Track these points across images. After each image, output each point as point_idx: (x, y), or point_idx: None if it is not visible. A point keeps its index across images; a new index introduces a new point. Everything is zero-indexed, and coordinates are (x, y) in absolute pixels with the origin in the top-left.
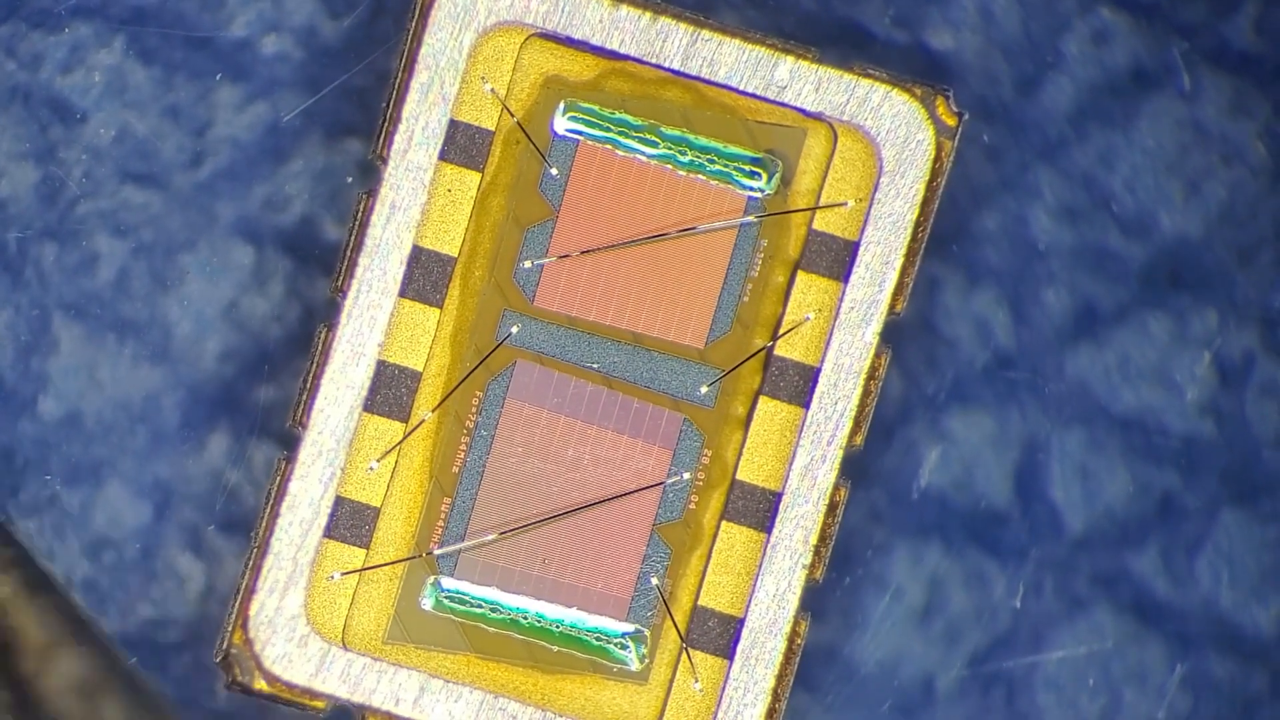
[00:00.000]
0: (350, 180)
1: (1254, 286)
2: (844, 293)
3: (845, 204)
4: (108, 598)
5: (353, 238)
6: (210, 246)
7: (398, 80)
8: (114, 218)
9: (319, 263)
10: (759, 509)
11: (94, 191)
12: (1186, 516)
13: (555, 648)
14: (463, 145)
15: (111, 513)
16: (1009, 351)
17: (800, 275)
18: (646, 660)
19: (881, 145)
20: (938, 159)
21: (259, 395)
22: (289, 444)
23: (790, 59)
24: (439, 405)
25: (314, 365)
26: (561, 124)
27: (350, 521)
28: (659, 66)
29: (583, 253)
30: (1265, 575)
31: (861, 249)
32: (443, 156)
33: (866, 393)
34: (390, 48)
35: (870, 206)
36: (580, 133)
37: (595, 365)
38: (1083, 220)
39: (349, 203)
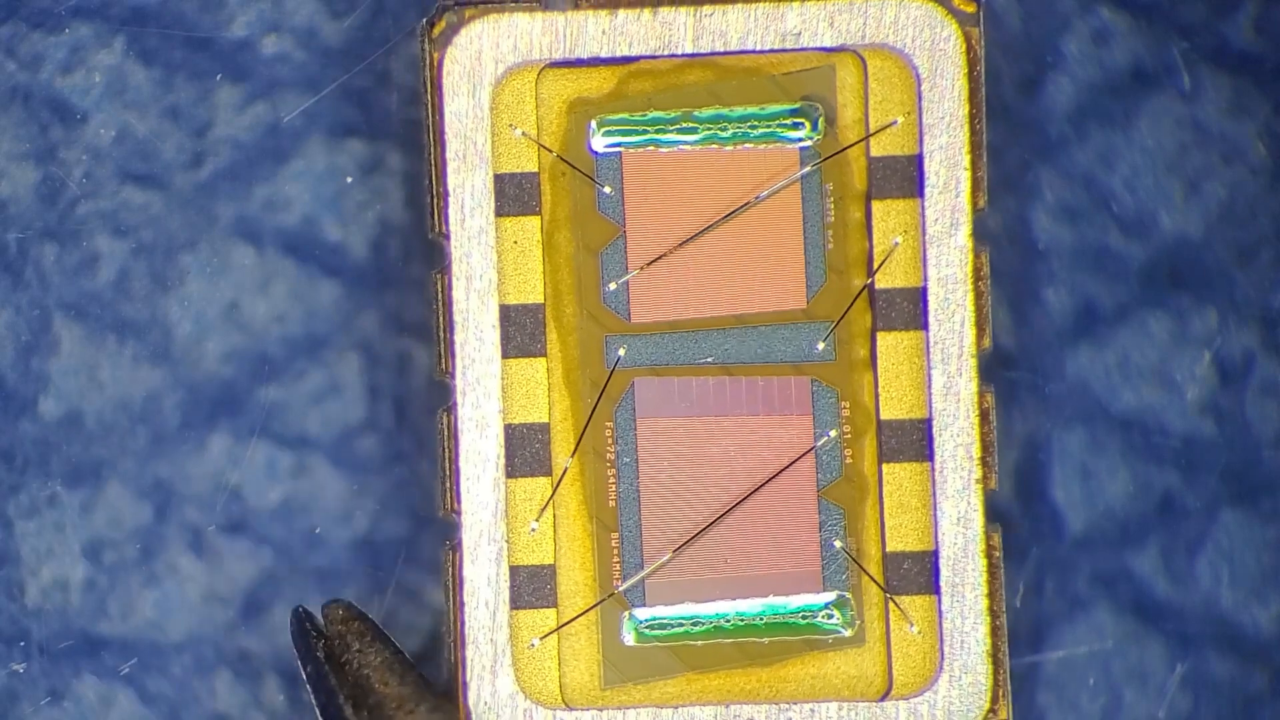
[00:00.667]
0: (350, 180)
1: (1254, 286)
2: (923, 207)
3: (894, 122)
4: (108, 598)
5: (441, 319)
6: (210, 247)
7: (431, 156)
8: (114, 218)
9: (319, 263)
10: (913, 441)
11: (94, 192)
12: (1186, 516)
13: (766, 640)
14: (513, 195)
15: (112, 513)
16: (1009, 351)
17: (875, 205)
18: (857, 622)
19: (911, 55)
20: (969, 49)
21: (259, 396)
22: (439, 528)
23: (796, 4)
24: (576, 449)
25: (446, 451)
26: (599, 142)
27: (531, 586)
28: (673, 55)
29: (660, 258)
30: (1265, 575)
31: (926, 160)
32: (499, 213)
33: (979, 295)
34: (391, 48)
35: (920, 116)
36: (619, 144)
37: (709, 359)
38: (1083, 220)
39: (349, 203)
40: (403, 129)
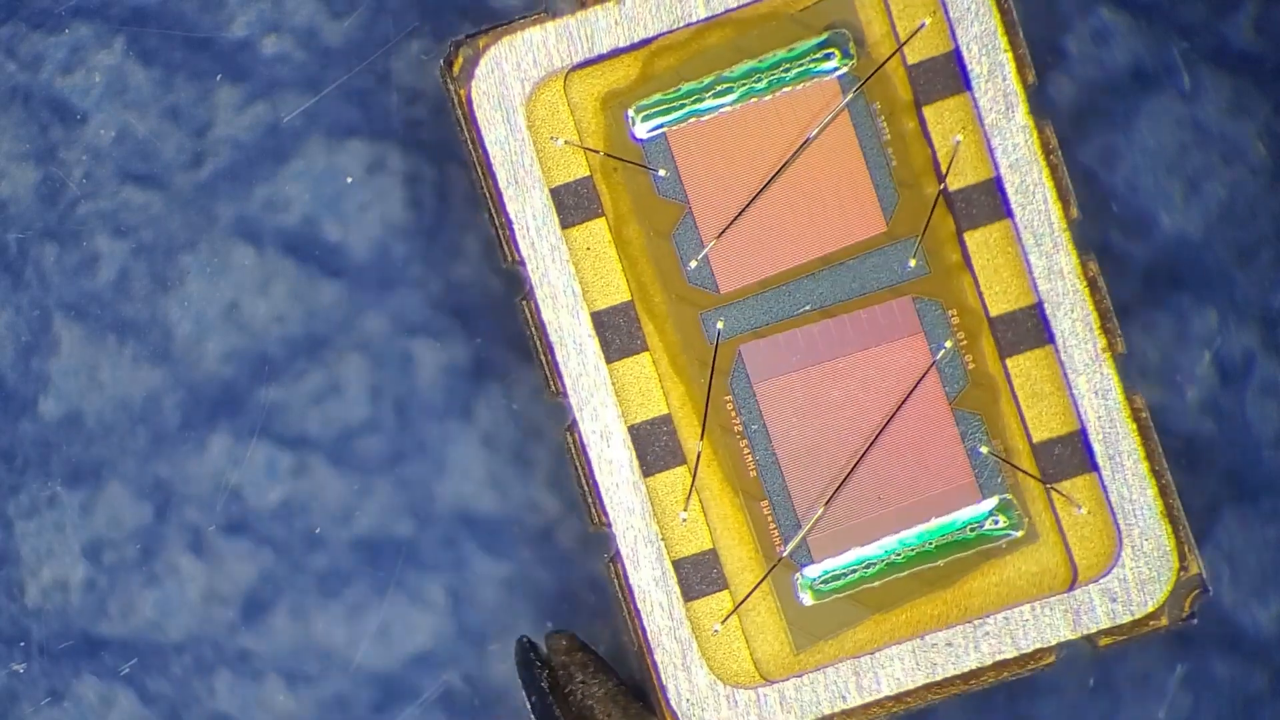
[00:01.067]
0: (350, 181)
1: (1254, 286)
2: (973, 99)
3: (923, 25)
4: (108, 598)
5: (538, 342)
6: (210, 247)
7: (485, 189)
8: (114, 218)
9: (319, 263)
10: (1029, 329)
11: (94, 192)
12: (1187, 515)
13: (941, 562)
14: (573, 204)
15: (112, 513)
16: None
17: (926, 110)
18: (1024, 520)
19: None
20: None
21: (259, 396)
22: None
23: None
24: (703, 431)
25: (578, 468)
26: (641, 129)
27: (698, 575)
28: (689, 24)
29: (731, 223)
30: (1266, 574)
31: (964, 52)
32: (564, 225)
33: (1053, 168)
34: (391, 48)
35: (946, 12)
36: (660, 125)
37: (807, 307)
38: (1083, 219)
39: (349, 203)
40: (403, 129)
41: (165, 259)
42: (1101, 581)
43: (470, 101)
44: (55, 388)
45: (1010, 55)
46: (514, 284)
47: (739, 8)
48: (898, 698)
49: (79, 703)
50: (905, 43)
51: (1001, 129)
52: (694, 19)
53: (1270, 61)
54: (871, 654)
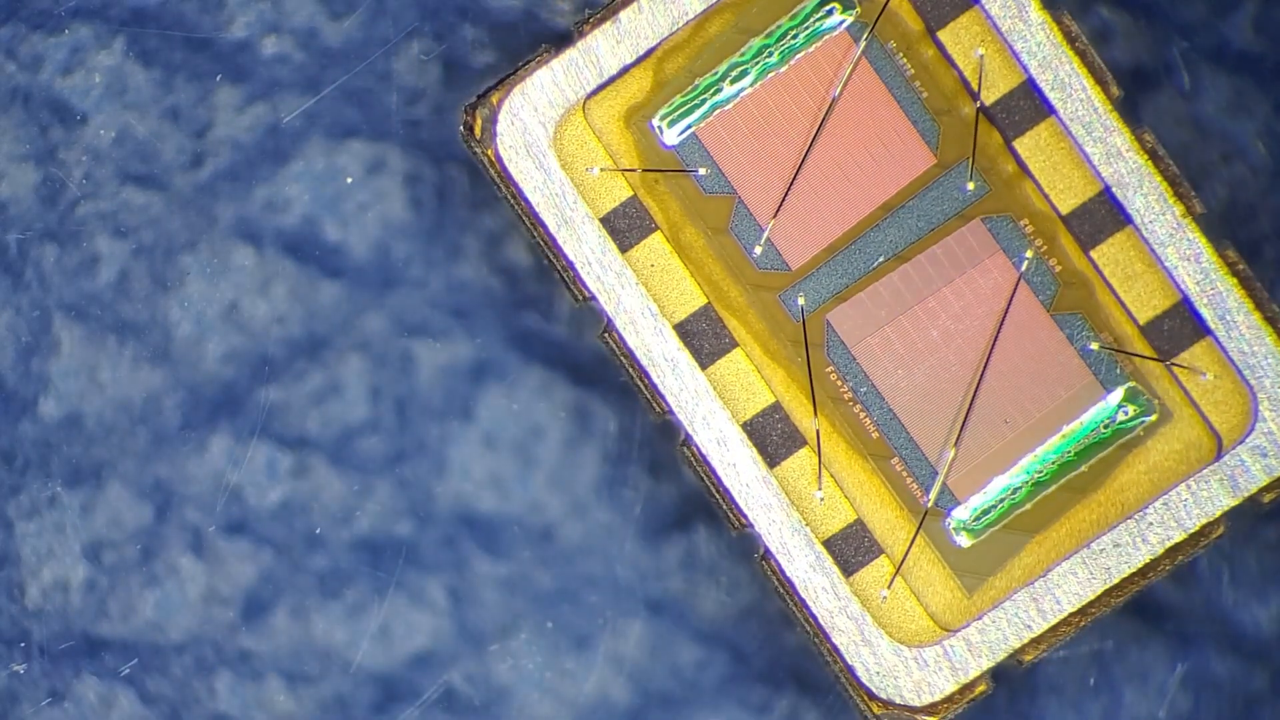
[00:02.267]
0: (350, 181)
1: None
2: (984, 10)
3: None
4: (108, 599)
5: (631, 370)
6: (210, 248)
7: (539, 238)
8: (114, 219)
9: (319, 264)
10: (1103, 215)
11: (94, 193)
12: None
13: (1084, 467)
14: (626, 227)
15: (112, 514)
16: None
17: (941, 35)
18: (1155, 402)
19: None
20: None
21: (259, 396)
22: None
23: None
24: (815, 409)
25: (705, 478)
26: (670, 136)
27: (851, 548)
28: (687, 22)
29: (784, 200)
30: (1266, 574)
31: None
32: (623, 249)
33: (1082, 54)
34: (391, 49)
35: None
36: (688, 126)
37: (880, 258)
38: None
39: (349, 203)
40: (403, 129)
41: (165, 260)
42: (1248, 441)
43: (501, 159)
44: (55, 388)
45: None
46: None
47: None
48: (1081, 611)
49: (79, 703)
50: None
51: (1019, 32)
52: (690, 15)
53: (1270, 61)
54: (1044, 576)
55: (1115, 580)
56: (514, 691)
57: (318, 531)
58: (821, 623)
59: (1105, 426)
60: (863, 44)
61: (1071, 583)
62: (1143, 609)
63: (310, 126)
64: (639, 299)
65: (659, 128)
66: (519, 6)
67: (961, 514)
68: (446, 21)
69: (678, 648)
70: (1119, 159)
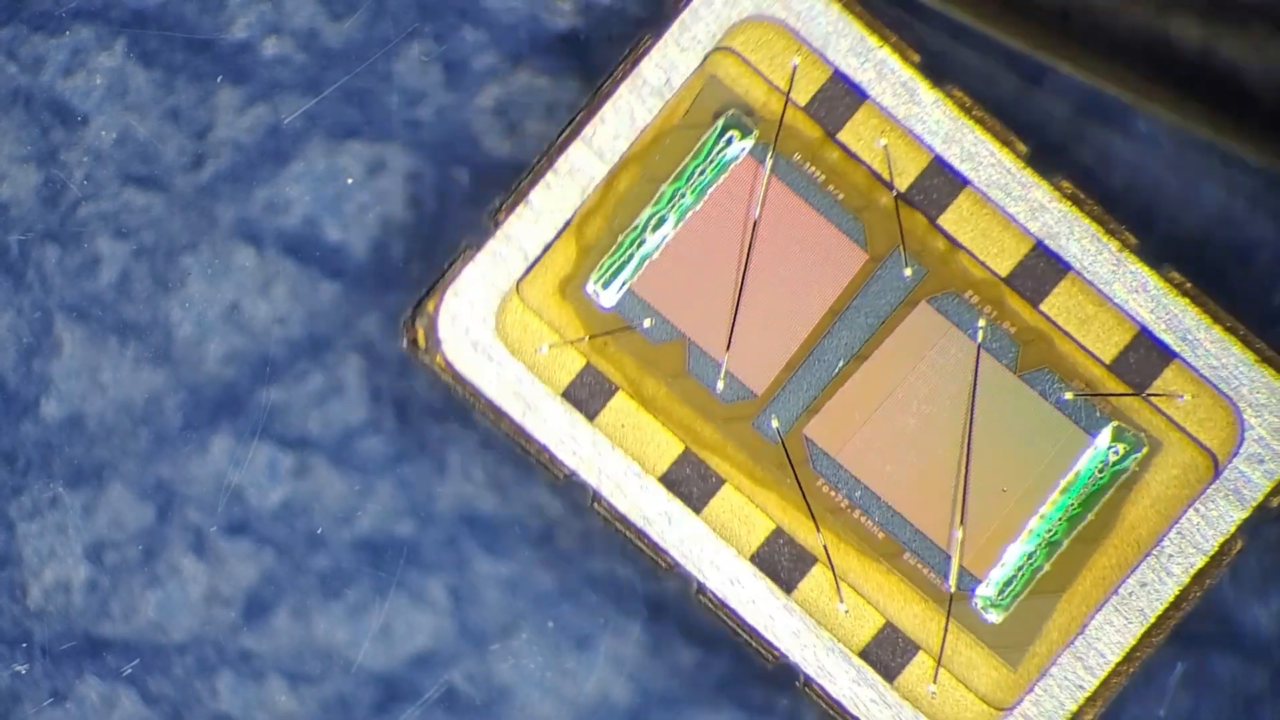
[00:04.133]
0: (351, 182)
1: (1253, 285)
2: (873, 100)
3: (794, 63)
4: (110, 599)
5: (630, 532)
6: (211, 249)
7: (506, 428)
8: (115, 220)
9: (320, 265)
10: (1042, 269)
11: (95, 194)
12: None
13: (1091, 515)
14: (587, 395)
15: (114, 514)
16: None
17: (841, 136)
18: (1141, 435)
19: (763, 7)
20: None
21: (261, 397)
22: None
23: (647, 59)
24: (816, 525)
25: (727, 620)
26: (607, 297)
27: (888, 652)
28: (596, 186)
29: (732, 331)
30: (1266, 573)
31: (844, 69)
32: (591, 417)
33: (981, 122)
34: (391, 49)
35: (807, 43)
36: (622, 284)
37: (840, 362)
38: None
39: (350, 204)
40: (403, 130)
41: (166, 260)
42: (1241, 451)
43: (451, 364)
44: (57, 389)
45: (886, 47)
46: (581, 493)
47: (630, 148)
48: (1127, 658)
49: (81, 704)
50: (790, 91)
51: (915, 115)
52: (597, 180)
53: None
54: (1082, 633)
55: (1151, 619)
56: (515, 691)
57: (319, 532)
58: None
59: (1101, 471)
60: (769, 163)
61: (1110, 632)
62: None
63: (311, 127)
64: (619, 462)
65: (594, 292)
66: (519, 7)
67: (986, 591)
68: (447, 22)
69: (677, 648)
70: (1043, 212)
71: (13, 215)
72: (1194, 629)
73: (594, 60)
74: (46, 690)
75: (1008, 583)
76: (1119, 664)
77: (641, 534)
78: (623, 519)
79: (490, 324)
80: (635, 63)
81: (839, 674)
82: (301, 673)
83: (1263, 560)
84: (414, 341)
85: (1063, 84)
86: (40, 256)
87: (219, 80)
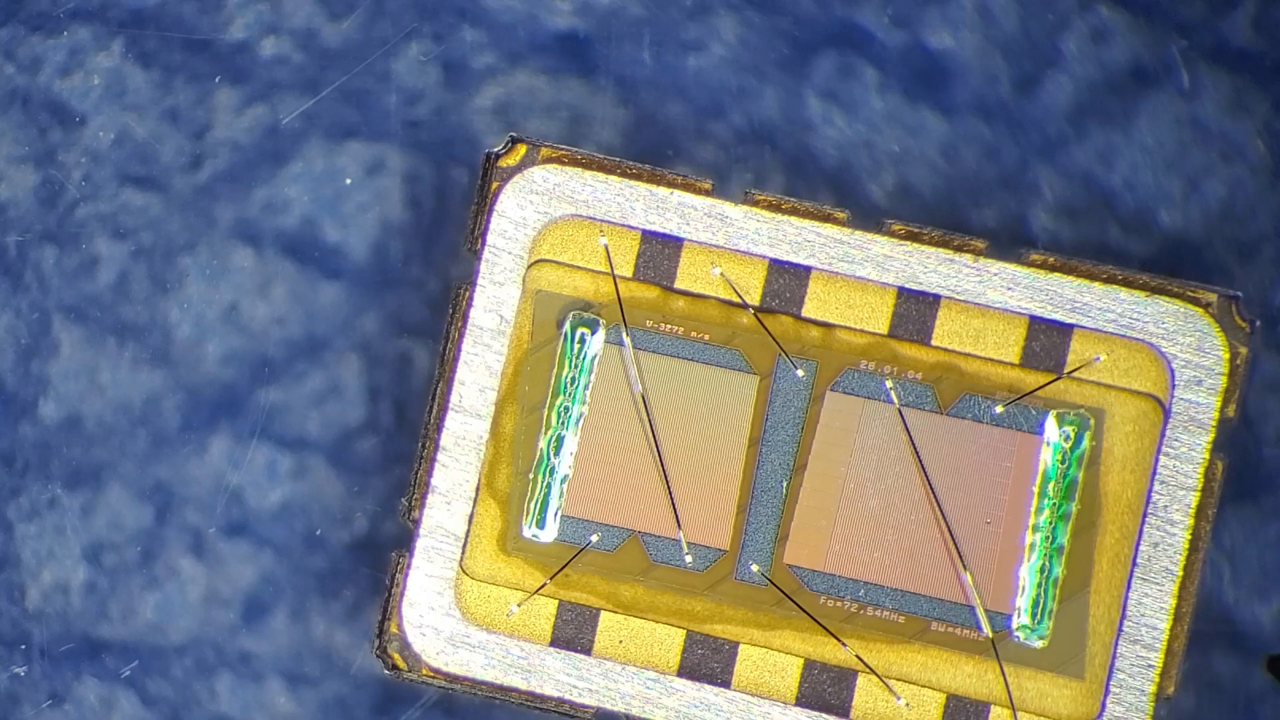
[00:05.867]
0: (349, 182)
1: (1254, 283)
2: (693, 240)
3: (602, 242)
4: (109, 601)
5: None
6: (210, 249)
7: (517, 700)
8: (114, 220)
9: (318, 265)
10: (915, 310)
11: (93, 194)
12: None
13: (1075, 505)
14: (574, 631)
15: (112, 516)
16: None
17: (677, 284)
18: (1083, 410)
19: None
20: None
21: (259, 398)
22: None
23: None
24: (839, 640)
25: None
26: (547, 534)
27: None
28: (483, 441)
29: (674, 506)
30: (1267, 572)
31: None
32: (587, 649)
33: (794, 210)
34: (390, 50)
35: (612, 269)
36: (555, 513)
37: (783, 483)
38: (1083, 218)
39: (349, 204)
40: (402, 130)
41: (165, 261)
42: (1176, 380)
43: (438, 670)
44: (55, 390)
45: (676, 190)
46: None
47: (499, 393)
48: (1177, 618)
49: (80, 705)
50: (612, 267)
51: (735, 234)
52: (483, 435)
53: (1269, 59)
54: (1125, 617)
55: (1180, 573)
56: None
57: (318, 533)
58: None
59: (1063, 460)
60: (627, 340)
61: (1149, 603)
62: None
63: (309, 127)
64: (633, 677)
65: (533, 535)
66: (518, 6)
67: (1020, 620)
68: (445, 22)
69: None
70: (890, 260)
71: (10, 216)
72: (1194, 629)
73: (594, 60)
74: (45, 692)
75: (1035, 603)
76: (1173, 628)
77: None
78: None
79: (455, 614)
80: (465, 318)
81: None
82: (301, 674)
83: (1263, 559)
84: (395, 667)
85: (1063, 83)
86: (38, 257)
87: (217, 80)
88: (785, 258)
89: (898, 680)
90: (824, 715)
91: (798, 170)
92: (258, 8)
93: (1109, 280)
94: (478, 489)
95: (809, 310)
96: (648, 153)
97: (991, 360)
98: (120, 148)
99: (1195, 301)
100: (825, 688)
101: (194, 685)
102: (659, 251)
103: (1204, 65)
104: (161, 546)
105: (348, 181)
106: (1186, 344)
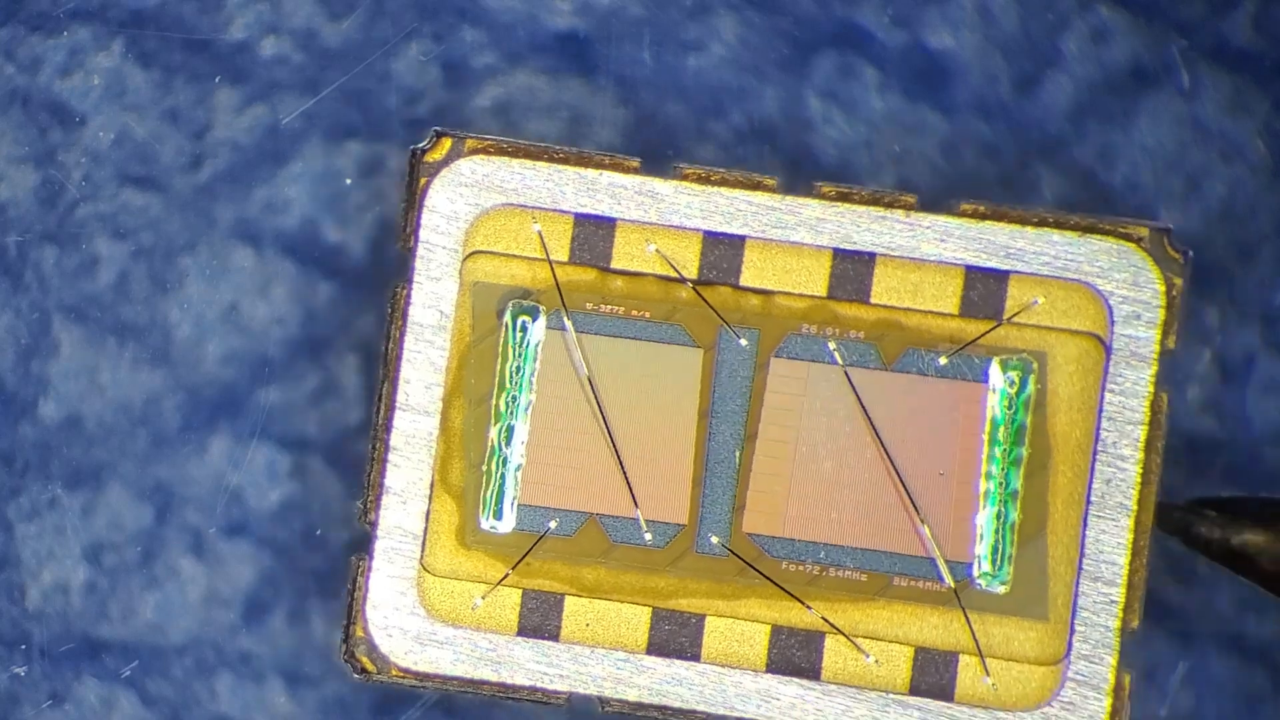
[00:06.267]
0: (349, 182)
1: (1254, 283)
2: (624, 220)
3: (535, 228)
4: (109, 601)
5: (657, 713)
6: (210, 249)
7: (489, 693)
8: (114, 221)
9: (319, 265)
10: (852, 269)
11: (93, 194)
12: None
13: (1026, 449)
14: (540, 619)
15: (112, 516)
16: None
17: (614, 264)
18: (1025, 355)
19: None
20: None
21: (259, 398)
22: None
23: None
24: (804, 603)
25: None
26: (505, 524)
27: (933, 674)
28: (434, 442)
29: (629, 486)
30: None
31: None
32: (555, 637)
33: (723, 181)
34: (390, 50)
35: (548, 255)
36: (512, 503)
37: (735, 452)
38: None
39: (349, 204)
40: (402, 130)
41: (165, 261)
42: (1115, 316)
43: (407, 669)
44: (55, 390)
45: (605, 170)
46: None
47: (445, 388)
48: (1135, 553)
49: (80, 705)
50: (548, 253)
51: (667, 209)
52: (433, 432)
53: (1269, 59)
54: (1084, 555)
55: (1134, 507)
56: None
57: (318, 533)
58: None
59: (1010, 406)
60: (569, 324)
61: (1107, 539)
62: (1145, 609)
63: (309, 127)
64: (603, 659)
65: (491, 526)
66: (518, 6)
67: (980, 568)
68: (445, 22)
69: None
70: (822, 223)
71: (10, 216)
72: (1194, 629)
73: (594, 60)
74: (45, 692)
75: (994, 550)
76: (1132, 562)
77: (663, 709)
78: (639, 706)
79: (420, 612)
80: (404, 316)
81: None
82: (301, 674)
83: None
84: (363, 670)
85: (1062, 83)
86: (38, 257)
87: (217, 80)
88: (719, 229)
89: (865, 638)
90: (795, 679)
91: (798, 170)
92: (258, 8)
93: (1041, 224)
94: (432, 486)
95: (747, 279)
96: (648, 153)
97: (931, 313)
98: (120, 148)
99: (1127, 237)
100: (794, 652)
101: (194, 685)
102: (593, 233)
103: (1204, 65)
104: (161, 546)
105: (348, 181)
106: (1122, 280)
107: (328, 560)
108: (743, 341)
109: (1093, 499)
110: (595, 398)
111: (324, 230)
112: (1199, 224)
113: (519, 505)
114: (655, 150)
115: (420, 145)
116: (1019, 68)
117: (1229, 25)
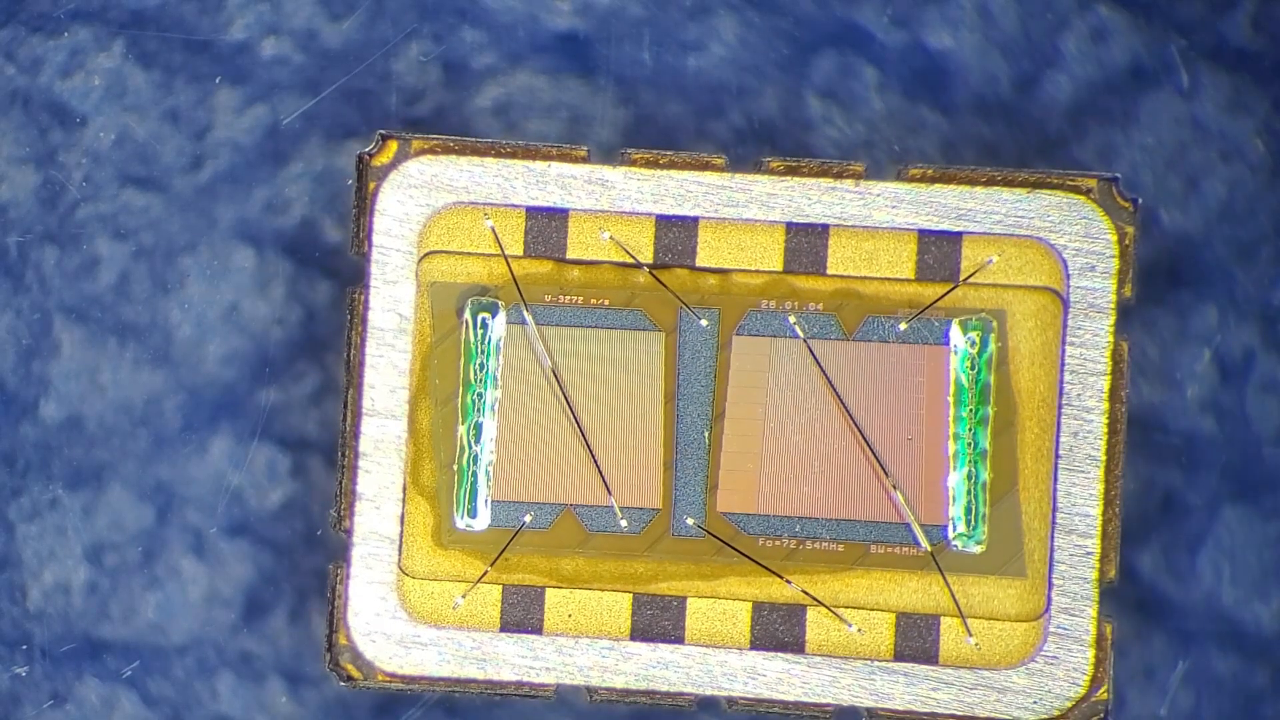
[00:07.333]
0: (350, 182)
1: (1254, 283)
2: (574, 210)
3: (488, 224)
4: (110, 601)
5: (645, 698)
6: (211, 249)
7: (476, 691)
8: (114, 221)
9: (319, 265)
10: (806, 242)
11: (94, 195)
12: (1188, 513)
13: (992, 408)
14: (523, 614)
15: (113, 516)
16: None
17: (569, 255)
18: (984, 314)
19: None
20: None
21: (260, 398)
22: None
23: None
24: (784, 578)
25: (769, 710)
26: (480, 521)
27: (916, 638)
28: (404, 442)
29: (601, 474)
30: (1266, 571)
31: None
32: (539, 629)
33: (671, 164)
34: (390, 50)
35: (503, 250)
36: (486, 501)
37: (705, 433)
38: None
39: (349, 205)
40: (403, 130)
41: (165, 261)
42: (1069, 269)
43: (393, 674)
44: (56, 391)
45: (553, 162)
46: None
47: (410, 390)
48: (1108, 503)
49: (81, 705)
50: (503, 248)
51: (616, 196)
52: (401, 435)
53: (1269, 59)
54: (1056, 510)
55: (1103, 458)
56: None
57: (318, 533)
58: (963, 715)
59: (973, 366)
60: (529, 318)
61: (1078, 492)
62: (1144, 607)
63: (310, 128)
64: (588, 648)
65: (467, 525)
66: (518, 6)
67: (955, 529)
68: (446, 22)
69: None
70: (773, 198)
71: (11, 217)
72: (1195, 627)
73: (594, 60)
74: (46, 692)
75: (968, 510)
76: (1105, 512)
77: (651, 693)
78: (627, 693)
79: (401, 616)
80: (364, 321)
81: (893, 689)
82: (301, 674)
83: (1263, 558)
84: (349, 677)
85: (1062, 83)
86: (39, 258)
87: (218, 81)
88: (671, 212)
89: (847, 608)
90: (780, 654)
91: None
92: (258, 8)
93: (989, 182)
94: (404, 489)
95: (703, 259)
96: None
97: (888, 279)
98: (121, 148)
99: (1076, 189)
100: (777, 627)
101: (195, 685)
102: (546, 225)
103: (1204, 65)
104: (162, 546)
105: (348, 182)
106: (1074, 232)
107: (328, 560)
108: (703, 322)
109: (1061, 453)
110: (561, 389)
111: (324, 230)
112: (1198, 223)
113: (493, 502)
114: (655, 150)
115: (366, 150)
116: (1019, 68)
117: (1228, 25)
